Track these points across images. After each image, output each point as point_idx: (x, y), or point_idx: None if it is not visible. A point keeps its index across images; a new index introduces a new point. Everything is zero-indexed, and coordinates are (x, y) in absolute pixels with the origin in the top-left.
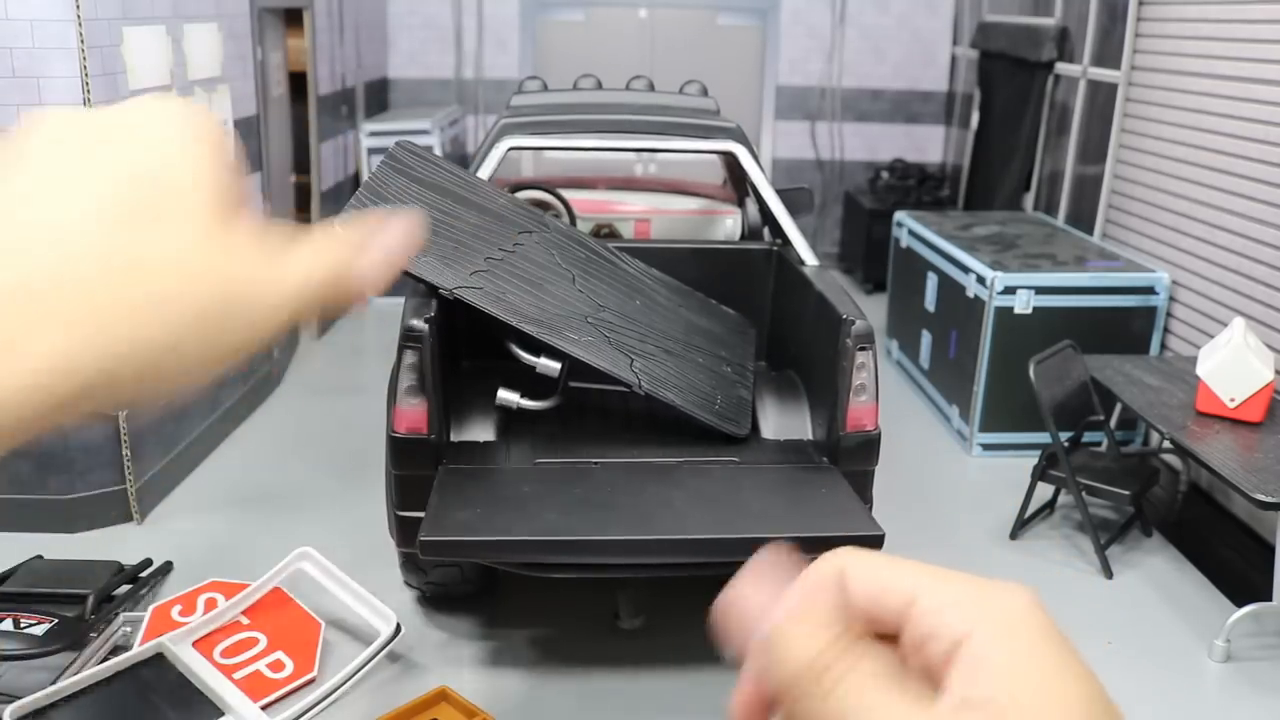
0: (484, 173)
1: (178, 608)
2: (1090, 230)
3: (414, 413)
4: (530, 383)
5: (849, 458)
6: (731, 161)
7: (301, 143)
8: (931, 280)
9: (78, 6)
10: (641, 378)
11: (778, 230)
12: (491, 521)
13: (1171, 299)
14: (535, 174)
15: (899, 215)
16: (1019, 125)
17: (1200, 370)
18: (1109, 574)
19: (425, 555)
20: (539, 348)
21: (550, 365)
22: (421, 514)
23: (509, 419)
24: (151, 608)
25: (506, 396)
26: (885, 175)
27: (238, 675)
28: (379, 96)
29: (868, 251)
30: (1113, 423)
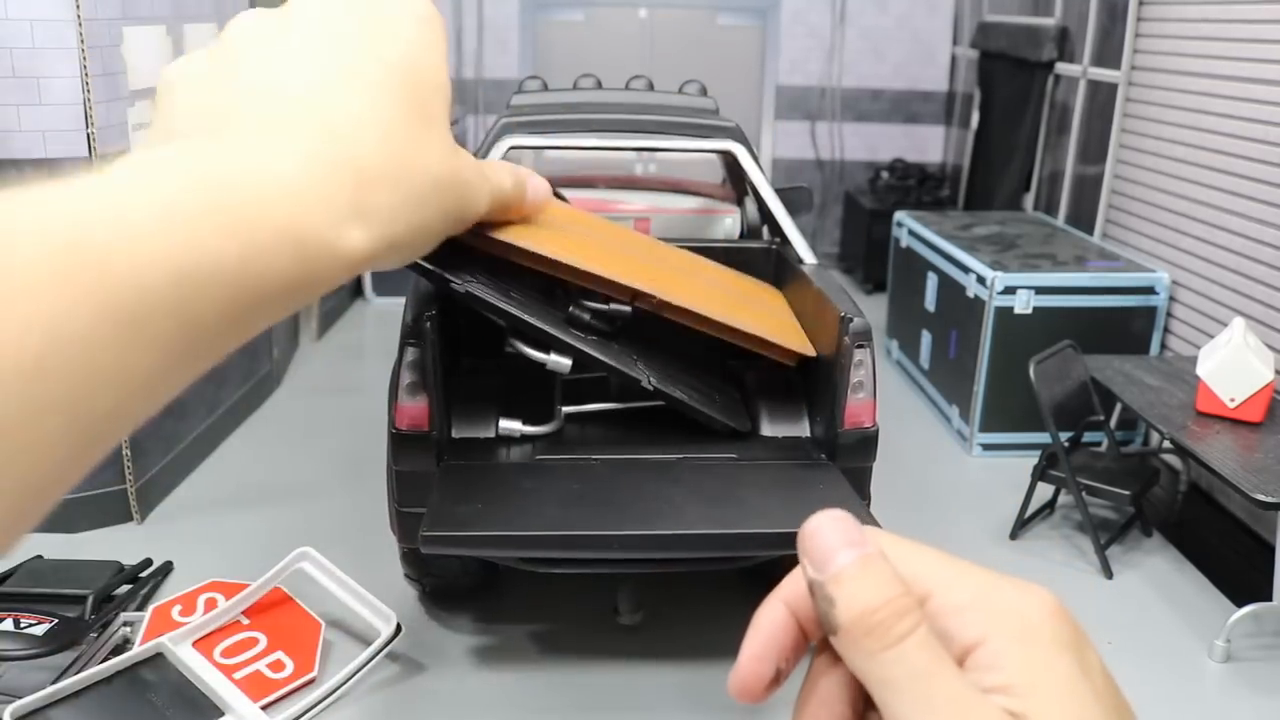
0: None
1: (178, 608)
2: (1090, 230)
3: (415, 409)
4: (528, 409)
5: (847, 454)
6: (730, 161)
7: None
8: (931, 280)
9: (78, 6)
10: (648, 374)
11: (776, 229)
12: (492, 517)
13: (1171, 299)
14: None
15: (899, 215)
16: (1019, 125)
17: (1200, 370)
18: (1109, 574)
19: (426, 550)
20: (548, 345)
21: (561, 362)
22: (422, 510)
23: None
24: (151, 608)
25: (509, 426)
26: (885, 175)
27: (238, 675)
28: None
29: (868, 251)
30: (1113, 423)
